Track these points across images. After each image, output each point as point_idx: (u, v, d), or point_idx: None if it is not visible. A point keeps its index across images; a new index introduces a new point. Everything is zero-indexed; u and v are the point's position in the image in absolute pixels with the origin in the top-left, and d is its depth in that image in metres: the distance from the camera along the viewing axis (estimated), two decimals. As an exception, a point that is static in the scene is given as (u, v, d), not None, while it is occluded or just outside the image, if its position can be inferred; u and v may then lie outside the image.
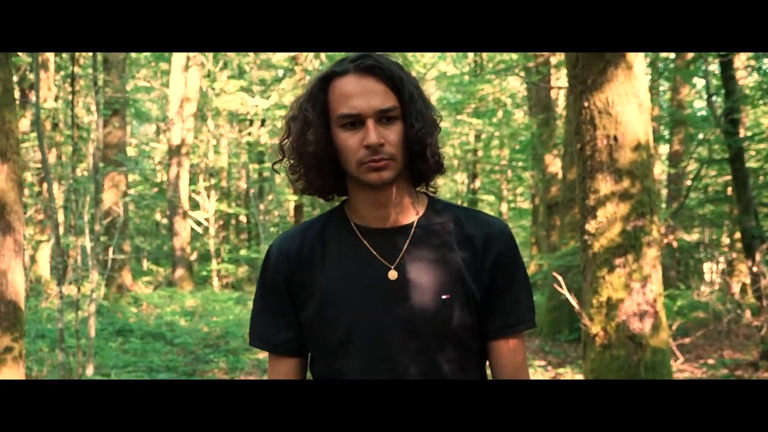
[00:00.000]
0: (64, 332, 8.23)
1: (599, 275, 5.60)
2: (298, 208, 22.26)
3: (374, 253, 1.85)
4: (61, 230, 19.31)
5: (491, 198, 23.33)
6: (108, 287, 16.11)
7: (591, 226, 5.66)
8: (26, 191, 16.88)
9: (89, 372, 8.38)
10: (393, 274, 1.83)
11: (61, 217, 19.11)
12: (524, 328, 1.89)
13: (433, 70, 24.51)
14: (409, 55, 22.11)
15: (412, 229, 1.88)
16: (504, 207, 24.42)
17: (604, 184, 5.58)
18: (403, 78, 1.80)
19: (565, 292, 6.29)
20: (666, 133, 16.24)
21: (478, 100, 17.55)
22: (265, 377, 1.94)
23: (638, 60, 5.64)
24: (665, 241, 9.81)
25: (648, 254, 5.55)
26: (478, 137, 22.76)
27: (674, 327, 9.22)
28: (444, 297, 1.81)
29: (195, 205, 21.23)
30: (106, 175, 16.19)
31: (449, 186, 27.42)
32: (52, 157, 16.77)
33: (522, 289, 1.91)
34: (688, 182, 13.77)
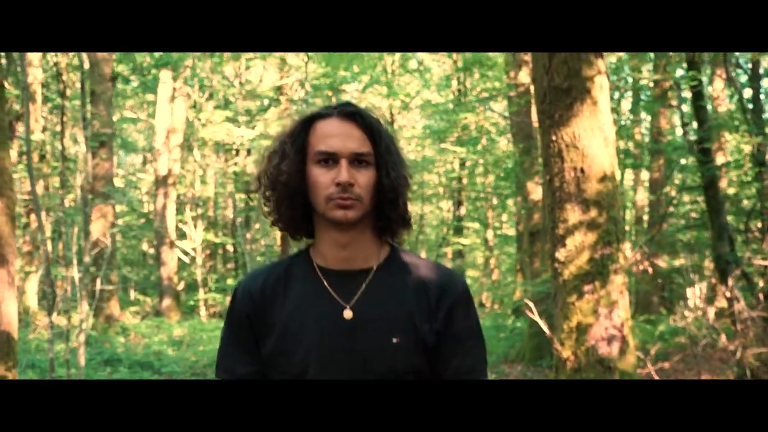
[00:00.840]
0: (54, 362, 8.46)
1: (569, 301, 5.88)
2: (285, 237, 22.42)
3: (332, 292, 1.93)
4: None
5: (476, 225, 23.60)
6: (96, 317, 16.29)
7: (561, 254, 5.94)
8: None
9: (78, 401, 8.58)
10: (348, 314, 1.91)
11: (49, 248, 19.28)
12: (474, 376, 1.96)
13: (417, 99, 24.89)
14: (395, 83, 22.48)
15: (371, 273, 1.96)
16: (490, 234, 24.69)
17: (573, 214, 5.87)
18: (381, 130, 1.93)
19: (536, 318, 6.58)
20: (647, 159, 16.59)
21: (460, 128, 17.85)
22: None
23: (603, 96, 5.95)
24: (641, 267, 10.10)
25: (615, 281, 5.83)
26: (462, 165, 23.05)
27: (652, 352, 9.49)
28: (395, 340, 1.89)
29: (182, 235, 21.44)
30: (94, 207, 16.42)
31: (435, 213, 27.70)
32: (39, 189, 17.00)
33: (475, 341, 1.98)
34: (671, 208, 14.12)
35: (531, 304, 7.01)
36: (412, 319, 1.91)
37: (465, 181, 23.06)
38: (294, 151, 1.92)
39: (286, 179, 1.91)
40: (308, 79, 19.84)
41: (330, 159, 1.88)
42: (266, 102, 21.07)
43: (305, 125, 1.95)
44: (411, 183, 2.00)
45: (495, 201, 23.55)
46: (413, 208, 24.32)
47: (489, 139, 21.03)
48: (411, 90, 24.54)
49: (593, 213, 5.85)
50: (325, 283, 1.94)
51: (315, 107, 2.00)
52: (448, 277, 1.99)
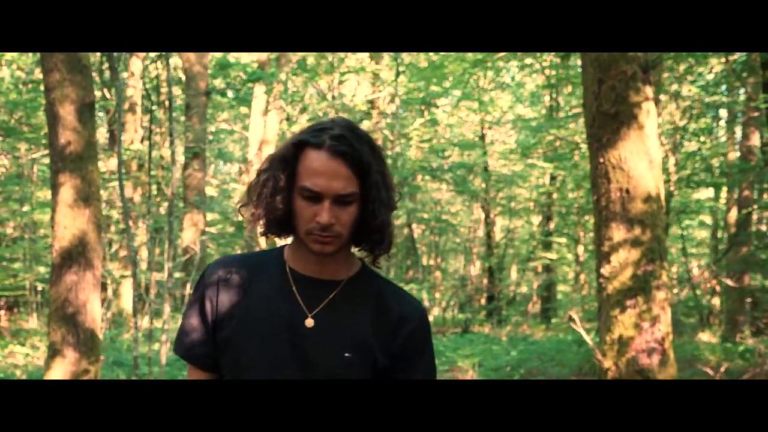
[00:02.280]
0: (139, 360, 9.20)
1: (612, 315, 6.30)
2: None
3: (298, 297, 2.00)
4: (144, 266, 20.55)
5: (563, 240, 23.75)
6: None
7: (605, 270, 6.36)
8: (112, 228, 18.13)
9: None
10: (309, 322, 1.97)
11: (144, 253, 20.32)
12: None
13: (509, 114, 25.24)
14: (486, 98, 22.88)
15: (340, 286, 2.03)
16: (580, 249, 24.82)
17: (617, 232, 6.29)
18: (371, 164, 1.93)
19: (580, 329, 6.99)
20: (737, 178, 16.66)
21: (546, 144, 18.18)
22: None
23: (649, 121, 6.36)
24: (708, 285, 10.34)
25: (657, 297, 6.23)
26: (552, 179, 23.27)
27: (722, 369, 9.75)
28: (346, 355, 1.95)
29: (271, 244, 22.22)
30: (185, 214, 17.29)
31: (525, 228, 27.90)
32: (137, 196, 17.98)
33: (426, 372, 2.07)
34: (762, 227, 14.18)
35: (576, 317, 7.43)
36: (367, 339, 1.98)
37: (555, 196, 23.27)
38: (282, 174, 1.96)
39: (272, 199, 1.97)
40: (399, 93, 20.46)
41: (314, 196, 1.91)
42: (358, 116, 21.71)
43: (296, 150, 1.97)
44: (397, 206, 2.04)
45: (585, 217, 23.66)
46: (502, 222, 24.56)
47: (581, 155, 21.26)
48: (503, 105, 24.91)
49: (637, 231, 6.25)
50: (293, 287, 2.01)
51: (314, 121, 2.10)
52: (410, 306, 2.06)
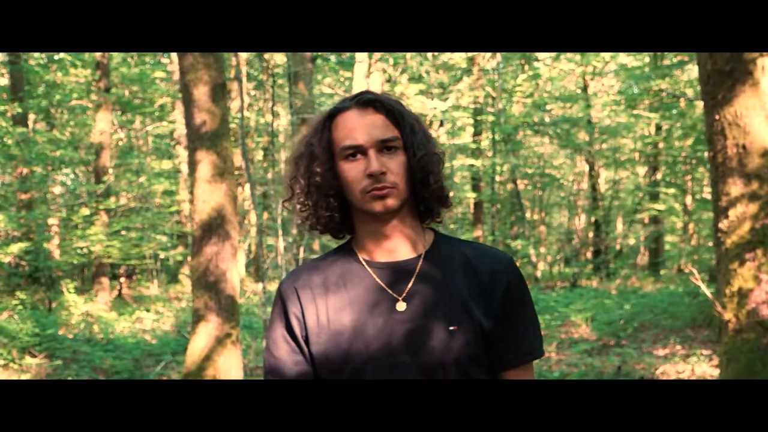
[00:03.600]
0: (266, 323, 9.77)
1: (731, 268, 6.53)
2: (478, 204, 23.35)
3: (382, 285, 1.93)
4: (254, 232, 21.26)
5: (671, 190, 23.62)
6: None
7: (723, 224, 6.58)
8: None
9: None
10: (401, 306, 1.90)
11: (253, 218, 21.01)
12: (534, 357, 1.99)
13: (612, 63, 25.08)
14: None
15: (419, 262, 1.95)
16: (688, 199, 24.67)
17: (735, 188, 6.50)
18: (402, 111, 1.93)
19: (700, 283, 7.24)
20: None
21: (652, 95, 18.12)
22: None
23: (765, 77, 6.52)
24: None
25: (776, 249, 6.44)
26: (658, 129, 23.15)
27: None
28: (451, 328, 1.88)
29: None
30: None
31: (631, 179, 27.78)
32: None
33: (531, 321, 2.00)
34: None
35: (695, 271, 7.66)
36: (467, 305, 1.91)
37: (661, 145, 23.15)
38: (320, 151, 1.93)
39: (320, 181, 1.93)
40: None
41: (357, 152, 1.88)
42: (458, 73, 21.94)
43: (326, 123, 1.96)
44: (443, 160, 1.98)
45: (694, 164, 23.45)
46: (607, 174, 24.52)
47: (687, 102, 21.10)
48: (605, 54, 24.77)
49: (754, 186, 6.45)
50: (374, 276, 1.94)
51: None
52: (498, 259, 1.99)
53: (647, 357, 10.45)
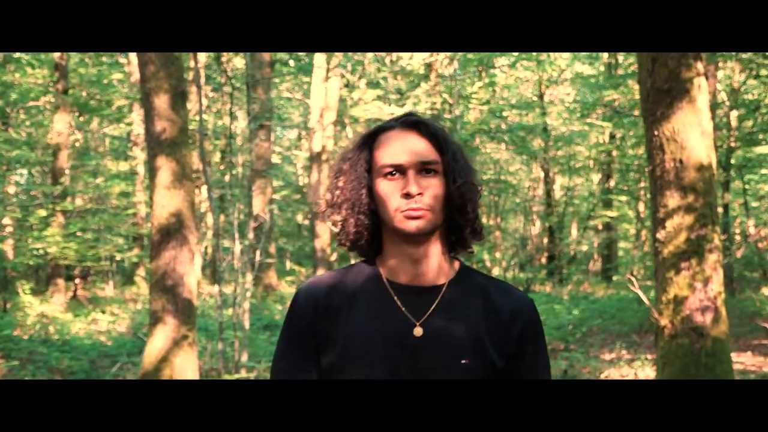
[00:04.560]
0: (223, 325, 10.02)
1: (668, 276, 6.91)
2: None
3: (402, 308, 1.92)
4: (210, 234, 21.45)
5: (624, 197, 24.12)
6: (255, 286, 18.05)
7: (661, 235, 6.96)
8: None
9: (244, 358, 10.14)
10: (419, 331, 1.90)
11: (210, 221, 21.18)
12: None
13: (568, 72, 25.56)
14: (543, 56, 23.28)
15: (442, 291, 1.95)
16: (641, 206, 25.17)
17: (672, 200, 6.88)
18: (446, 138, 1.94)
19: (638, 290, 7.63)
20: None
21: (603, 105, 18.60)
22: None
23: (701, 95, 6.91)
24: (766, 242, 10.89)
25: (709, 259, 6.82)
26: (612, 137, 23.65)
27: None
28: (464, 361, 1.89)
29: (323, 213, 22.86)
30: (254, 183, 18.08)
31: (586, 185, 28.30)
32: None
33: (542, 366, 2.01)
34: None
35: (633, 279, 8.05)
36: (482, 341, 1.92)
37: (614, 153, 23.61)
38: (359, 167, 1.95)
39: (352, 196, 1.94)
40: (457, 54, 20.95)
41: (396, 171, 1.89)
42: (416, 79, 22.27)
43: (369, 140, 1.98)
44: (481, 192, 1.99)
45: (646, 173, 23.77)
46: (562, 181, 24.89)
47: (641, 112, 21.44)
48: (561, 63, 25.24)
49: (690, 198, 6.84)
50: (395, 298, 1.94)
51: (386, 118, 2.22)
52: (519, 300, 1.99)
53: (593, 361, 10.85)
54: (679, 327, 6.82)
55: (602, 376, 9.83)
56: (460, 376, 1.87)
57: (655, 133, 6.97)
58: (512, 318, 1.94)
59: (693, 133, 6.85)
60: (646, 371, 9.67)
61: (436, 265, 1.95)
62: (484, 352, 1.90)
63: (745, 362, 10.28)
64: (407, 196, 1.85)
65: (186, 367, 7.37)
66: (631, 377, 9.55)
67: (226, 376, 8.74)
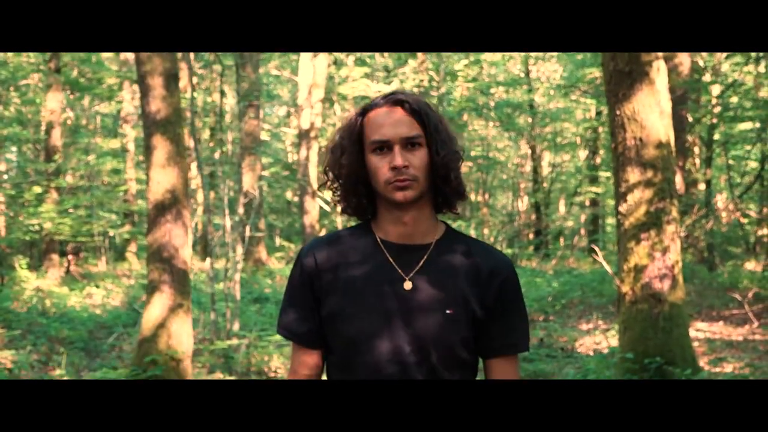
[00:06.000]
0: (215, 297, 10.63)
1: (629, 247, 7.55)
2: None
3: (393, 264, 2.16)
4: (200, 210, 21.99)
5: (610, 174, 24.67)
6: (246, 261, 18.65)
7: (623, 208, 7.60)
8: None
9: (236, 327, 10.75)
10: (408, 285, 2.13)
11: (200, 198, 21.72)
12: (518, 350, 2.21)
13: (554, 49, 25.96)
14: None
15: (430, 249, 2.18)
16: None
17: (633, 175, 7.51)
18: (428, 112, 2.14)
19: (601, 260, 8.27)
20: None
21: (589, 82, 19.15)
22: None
23: (660, 77, 7.52)
24: (732, 216, 11.54)
25: (668, 230, 7.46)
26: (598, 114, 24.19)
27: (750, 294, 10.97)
28: (448, 311, 2.12)
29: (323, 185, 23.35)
30: (244, 160, 18.62)
31: (572, 162, 28.88)
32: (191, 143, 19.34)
33: (520, 318, 2.23)
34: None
35: (597, 249, 8.69)
36: (465, 294, 2.14)
37: (600, 130, 24.13)
38: (352, 143, 2.17)
39: (348, 170, 2.18)
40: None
41: (384, 146, 2.10)
42: (403, 57, 22.78)
43: (359, 118, 2.19)
44: (462, 157, 2.20)
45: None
46: (549, 157, 25.39)
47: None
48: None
49: (650, 174, 7.46)
50: (388, 255, 2.17)
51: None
52: (498, 259, 2.22)
53: (570, 331, 11.48)
54: (639, 293, 7.47)
55: (576, 344, 10.47)
56: (445, 324, 2.10)
57: (617, 113, 7.59)
58: (491, 274, 2.17)
59: (652, 113, 7.47)
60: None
61: (424, 227, 2.18)
62: (467, 303, 2.12)
63: (714, 331, 10.92)
64: (394, 169, 2.07)
65: (182, 332, 7.98)
66: (603, 345, 10.17)
67: (219, 343, 9.34)
